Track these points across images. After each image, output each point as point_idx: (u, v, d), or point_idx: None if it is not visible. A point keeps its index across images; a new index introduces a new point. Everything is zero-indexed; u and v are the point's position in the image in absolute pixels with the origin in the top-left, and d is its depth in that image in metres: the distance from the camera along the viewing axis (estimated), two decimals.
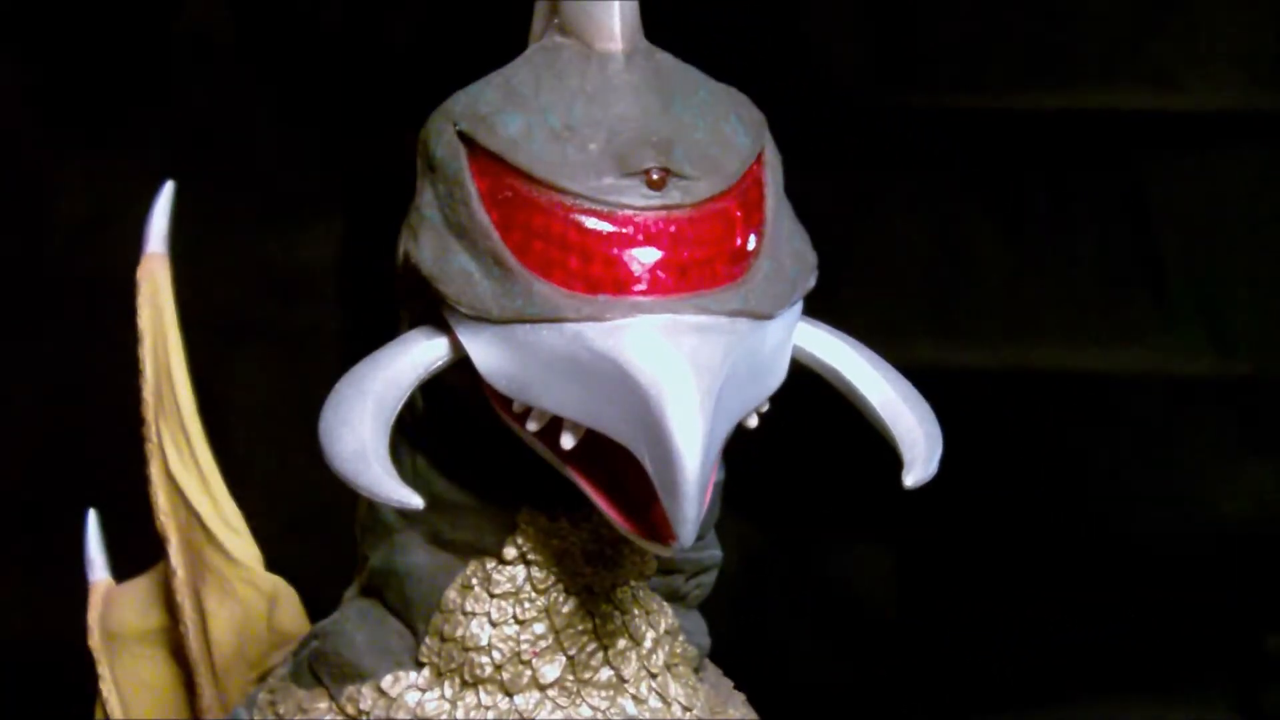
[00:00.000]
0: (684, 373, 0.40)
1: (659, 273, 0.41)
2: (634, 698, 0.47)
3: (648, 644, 0.48)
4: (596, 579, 0.47)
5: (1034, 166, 1.10)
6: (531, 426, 0.43)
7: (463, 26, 1.05)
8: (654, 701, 0.47)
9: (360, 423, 0.42)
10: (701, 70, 0.45)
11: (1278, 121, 1.09)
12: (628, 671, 0.47)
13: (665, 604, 0.49)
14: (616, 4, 0.42)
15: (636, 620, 0.47)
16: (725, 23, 1.04)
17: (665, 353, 0.40)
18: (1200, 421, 1.13)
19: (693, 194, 0.42)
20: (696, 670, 0.50)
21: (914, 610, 1.14)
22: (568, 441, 0.42)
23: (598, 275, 0.41)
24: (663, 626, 0.48)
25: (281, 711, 0.49)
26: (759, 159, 0.44)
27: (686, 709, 0.48)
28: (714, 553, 0.50)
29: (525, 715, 0.46)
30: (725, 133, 0.43)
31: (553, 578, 0.46)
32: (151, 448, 0.61)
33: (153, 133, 1.05)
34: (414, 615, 0.48)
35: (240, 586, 0.61)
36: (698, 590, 0.50)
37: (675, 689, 0.48)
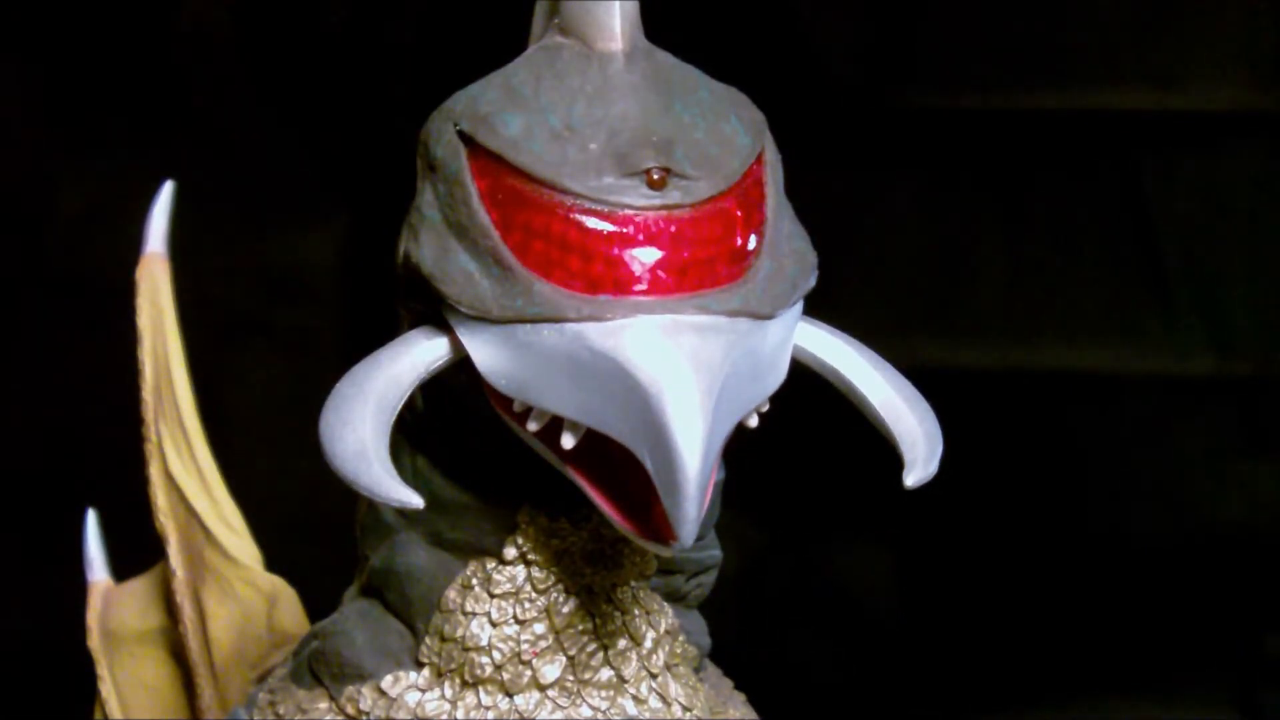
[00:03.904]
0: (684, 373, 0.40)
1: (659, 272, 0.41)
2: (634, 698, 0.47)
3: (648, 644, 0.47)
4: (597, 579, 0.47)
5: (1034, 166, 1.10)
6: (532, 426, 0.42)
7: (463, 26, 1.04)
8: (654, 701, 0.47)
9: (361, 422, 0.42)
10: (701, 70, 0.45)
11: (1278, 121, 1.09)
12: (628, 671, 0.47)
13: (665, 604, 0.49)
14: (617, 4, 0.42)
15: (637, 620, 0.47)
16: (725, 23, 1.04)
17: (666, 352, 0.40)
18: (1200, 421, 1.13)
19: (693, 194, 0.42)
20: (697, 670, 0.50)
21: (914, 610, 1.14)
22: (568, 441, 0.42)
23: (598, 275, 0.41)
24: (663, 626, 0.48)
25: (281, 712, 0.49)
26: (759, 159, 0.44)
27: (687, 709, 0.48)
28: (714, 553, 0.50)
29: (525, 715, 0.46)
30: (725, 133, 0.43)
31: (553, 578, 0.46)
32: (151, 448, 0.61)
33: (153, 133, 1.05)
34: (414, 615, 0.48)
35: (240, 586, 0.61)
36: (698, 590, 0.50)
37: (675, 689, 0.48)
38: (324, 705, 0.48)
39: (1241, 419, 1.13)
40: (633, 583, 0.47)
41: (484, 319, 0.42)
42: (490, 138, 0.42)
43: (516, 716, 0.46)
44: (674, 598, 0.49)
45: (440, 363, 0.44)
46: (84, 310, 1.03)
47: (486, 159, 0.42)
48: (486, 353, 0.42)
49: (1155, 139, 1.09)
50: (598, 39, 0.43)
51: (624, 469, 0.41)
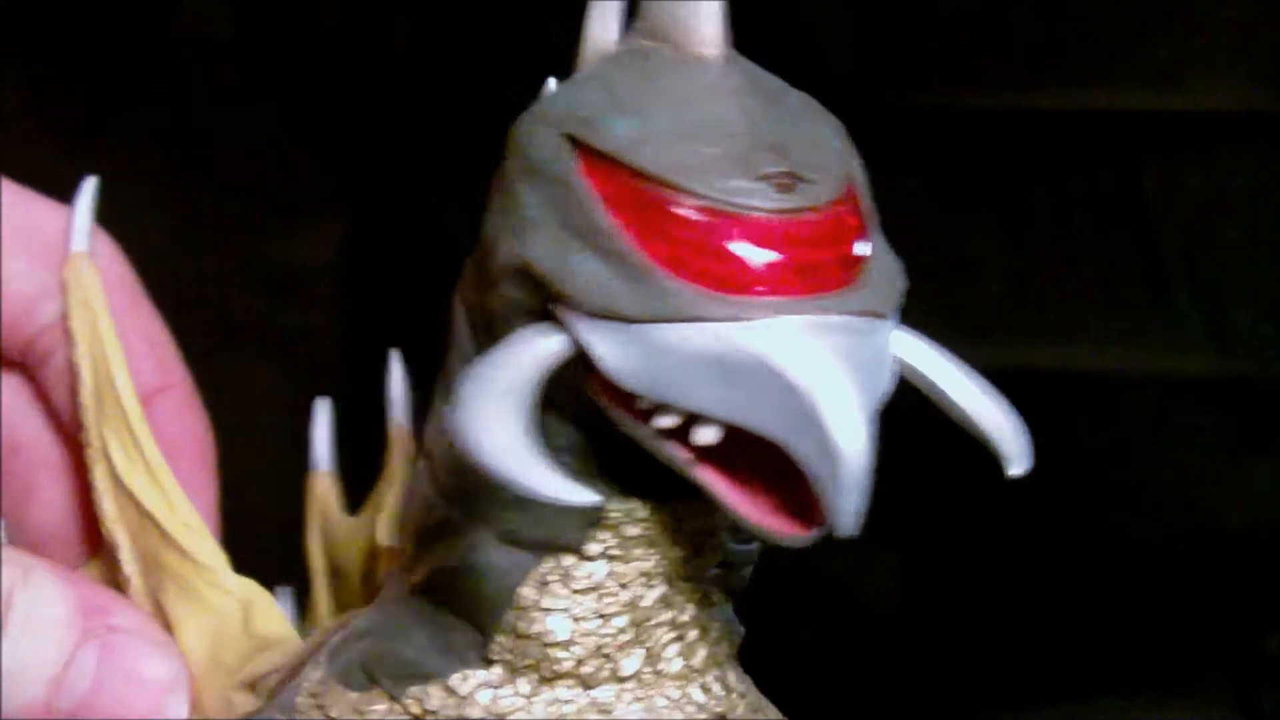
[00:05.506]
0: (837, 370, 0.40)
1: (789, 274, 0.41)
2: (702, 687, 0.47)
3: (714, 634, 0.48)
4: (674, 571, 0.47)
5: (1034, 166, 1.10)
6: (665, 423, 0.42)
7: (463, 27, 1.04)
8: (718, 689, 0.48)
9: (505, 423, 0.41)
10: None
11: (1278, 121, 1.09)
12: (696, 661, 0.47)
13: (722, 596, 0.49)
14: (711, 7, 0.42)
15: (704, 612, 0.48)
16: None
17: (814, 351, 0.40)
18: (1200, 421, 1.13)
19: (813, 197, 0.42)
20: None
21: (915, 610, 1.14)
22: (708, 436, 0.42)
23: (731, 275, 0.41)
24: (724, 617, 0.49)
25: (334, 714, 0.49)
26: (855, 163, 0.44)
27: (743, 696, 0.49)
28: (755, 545, 0.50)
29: (603, 707, 0.46)
30: (824, 137, 0.43)
31: (633, 571, 0.46)
32: (94, 453, 0.59)
33: (153, 133, 1.05)
34: (481, 613, 0.47)
35: (205, 589, 0.58)
36: (740, 584, 0.50)
37: (734, 678, 0.48)
38: (382, 707, 0.48)
39: (1241, 419, 1.13)
40: (707, 574, 0.48)
41: (615, 319, 0.42)
42: (601, 140, 0.42)
43: (595, 710, 0.46)
44: (726, 590, 0.50)
45: (557, 360, 0.43)
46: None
47: (598, 161, 0.42)
48: (613, 351, 0.42)
49: (1155, 139, 1.09)
50: (692, 43, 0.43)
51: (738, 464, 0.42)
